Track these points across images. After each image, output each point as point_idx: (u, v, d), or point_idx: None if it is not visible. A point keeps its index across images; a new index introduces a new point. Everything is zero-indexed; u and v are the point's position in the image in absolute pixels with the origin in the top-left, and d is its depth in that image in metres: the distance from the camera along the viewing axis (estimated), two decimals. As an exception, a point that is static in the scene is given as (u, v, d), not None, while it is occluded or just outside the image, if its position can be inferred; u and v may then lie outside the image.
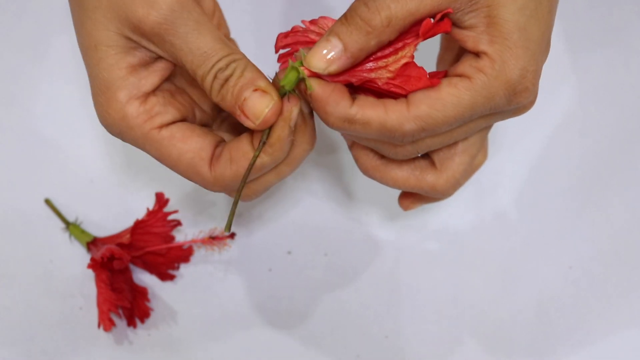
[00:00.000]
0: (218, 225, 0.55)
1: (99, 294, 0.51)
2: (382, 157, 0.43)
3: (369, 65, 0.39)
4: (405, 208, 0.49)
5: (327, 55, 0.37)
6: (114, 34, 0.40)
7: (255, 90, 0.39)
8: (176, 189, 0.57)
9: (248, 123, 0.39)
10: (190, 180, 0.42)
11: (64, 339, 0.53)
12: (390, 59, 0.38)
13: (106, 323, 0.51)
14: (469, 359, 0.54)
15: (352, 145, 0.44)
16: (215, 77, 0.39)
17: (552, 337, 0.54)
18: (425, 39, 0.38)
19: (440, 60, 0.47)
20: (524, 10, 0.38)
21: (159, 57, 0.41)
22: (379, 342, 0.54)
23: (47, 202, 0.56)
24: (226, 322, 0.54)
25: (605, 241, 0.56)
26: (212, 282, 0.55)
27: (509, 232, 0.57)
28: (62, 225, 0.56)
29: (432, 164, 0.43)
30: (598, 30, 0.61)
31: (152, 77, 0.41)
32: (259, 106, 0.39)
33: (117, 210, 0.57)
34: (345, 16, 0.37)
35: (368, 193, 0.57)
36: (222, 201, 0.57)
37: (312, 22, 0.40)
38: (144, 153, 0.58)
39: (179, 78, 0.44)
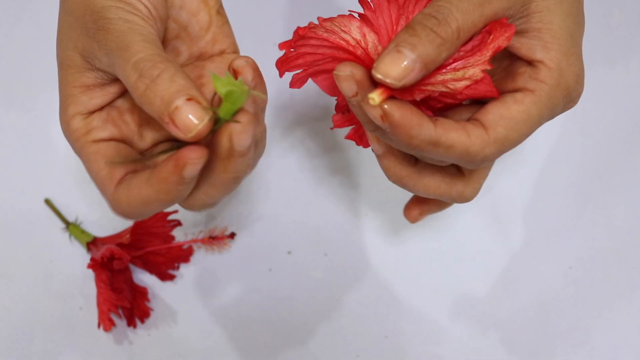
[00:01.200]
0: (218, 225, 0.55)
1: (99, 294, 0.52)
2: (414, 165, 0.42)
3: (440, 77, 0.38)
4: (413, 220, 0.49)
5: (402, 65, 0.35)
6: (73, 53, 0.40)
7: (189, 99, 0.35)
8: (176, 189, 0.57)
9: (177, 134, 0.35)
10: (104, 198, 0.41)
11: (64, 339, 0.53)
12: (459, 73, 0.38)
13: (106, 323, 0.51)
14: (469, 359, 0.54)
15: (384, 155, 0.42)
16: (140, 74, 0.36)
17: (552, 337, 0.54)
18: (494, 53, 0.37)
19: None
20: (570, 16, 0.38)
21: (116, 79, 0.40)
22: (379, 342, 0.54)
23: (47, 202, 0.56)
24: (226, 322, 0.54)
25: (605, 241, 0.56)
26: (212, 282, 0.55)
27: (509, 232, 0.57)
28: (62, 225, 0.56)
29: (461, 171, 0.43)
30: (598, 30, 0.61)
31: (102, 97, 0.41)
32: (191, 120, 0.35)
33: (117, 210, 0.57)
34: (412, 28, 0.36)
35: (368, 193, 0.57)
36: (223, 201, 0.57)
37: (329, 20, 0.38)
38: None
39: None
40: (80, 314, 0.54)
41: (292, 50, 0.39)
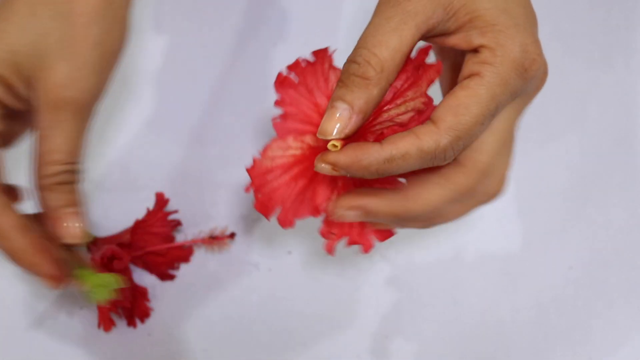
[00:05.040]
0: (218, 225, 0.55)
1: (99, 294, 0.52)
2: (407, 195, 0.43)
3: (385, 115, 0.39)
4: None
5: (337, 120, 0.38)
6: None
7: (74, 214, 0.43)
8: (176, 189, 0.57)
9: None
10: None
11: (64, 339, 0.53)
12: (402, 107, 0.40)
13: (106, 323, 0.51)
14: (469, 359, 0.54)
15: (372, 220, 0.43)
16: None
17: (552, 337, 0.54)
18: (429, 85, 0.39)
19: (442, 78, 0.47)
20: None
21: None
22: (379, 342, 0.54)
23: (47, 202, 0.56)
24: (226, 322, 0.54)
25: (605, 241, 0.56)
26: (212, 282, 0.55)
27: (509, 232, 0.57)
28: (62, 225, 0.56)
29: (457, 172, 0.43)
30: (598, 30, 0.61)
31: None
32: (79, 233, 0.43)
33: (117, 210, 0.57)
34: (340, 80, 0.38)
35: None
36: (223, 201, 0.57)
37: (266, 149, 0.40)
38: (144, 153, 0.58)
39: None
40: (80, 314, 0.54)
41: (258, 195, 0.40)
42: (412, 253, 0.56)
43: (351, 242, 0.42)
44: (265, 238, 0.56)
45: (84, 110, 0.43)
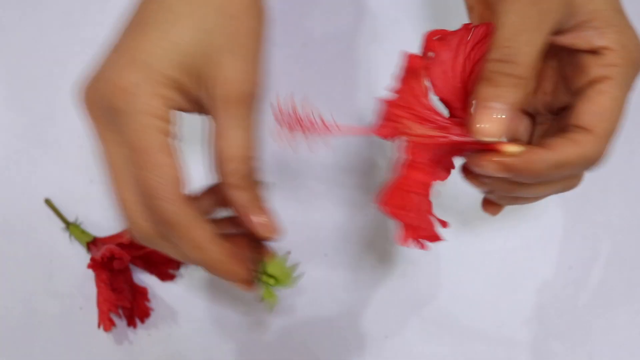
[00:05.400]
0: (218, 225, 0.55)
1: (99, 294, 0.51)
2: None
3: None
4: (495, 213, 0.49)
5: (498, 121, 0.38)
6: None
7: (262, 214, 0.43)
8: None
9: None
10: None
11: (64, 339, 0.53)
12: None
13: (106, 323, 0.51)
14: (469, 359, 0.54)
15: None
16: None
17: (552, 337, 0.54)
18: None
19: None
20: None
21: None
22: (379, 342, 0.54)
23: (47, 202, 0.56)
24: (226, 322, 0.54)
25: (605, 241, 0.56)
26: (212, 282, 0.55)
27: (509, 232, 0.57)
28: (62, 225, 0.56)
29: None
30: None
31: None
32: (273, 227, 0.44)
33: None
34: (488, 79, 0.38)
35: (368, 193, 0.57)
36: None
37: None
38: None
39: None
40: (80, 314, 0.54)
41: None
42: (411, 253, 0.56)
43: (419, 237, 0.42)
44: (265, 238, 0.56)
45: (257, 102, 0.42)
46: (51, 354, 0.53)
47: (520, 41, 0.37)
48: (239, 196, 0.42)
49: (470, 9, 0.47)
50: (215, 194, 0.45)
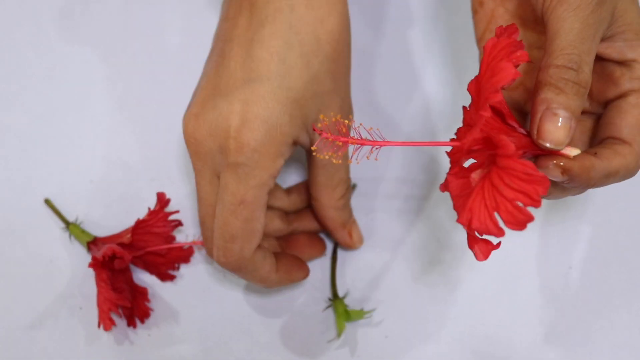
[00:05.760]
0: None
1: (99, 293, 0.51)
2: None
3: None
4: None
5: (564, 128, 0.37)
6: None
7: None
8: (177, 189, 0.57)
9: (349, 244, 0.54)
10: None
11: (64, 339, 0.53)
12: None
13: (106, 323, 0.51)
14: (469, 359, 0.54)
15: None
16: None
17: (552, 337, 0.54)
18: None
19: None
20: (634, 4, 0.40)
21: None
22: (379, 342, 0.54)
23: (47, 202, 0.56)
24: (226, 322, 0.54)
25: (605, 241, 0.56)
26: (212, 282, 0.55)
27: (509, 232, 0.57)
28: (62, 225, 0.56)
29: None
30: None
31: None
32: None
33: (117, 210, 0.57)
34: (552, 85, 0.38)
35: (367, 193, 0.57)
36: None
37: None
38: (144, 152, 0.58)
39: None
40: (80, 314, 0.54)
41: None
42: (411, 253, 0.56)
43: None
44: (266, 238, 0.56)
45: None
46: (51, 354, 0.53)
47: (583, 49, 0.37)
48: (340, 216, 0.51)
49: (479, 5, 0.47)
50: (306, 192, 0.53)
